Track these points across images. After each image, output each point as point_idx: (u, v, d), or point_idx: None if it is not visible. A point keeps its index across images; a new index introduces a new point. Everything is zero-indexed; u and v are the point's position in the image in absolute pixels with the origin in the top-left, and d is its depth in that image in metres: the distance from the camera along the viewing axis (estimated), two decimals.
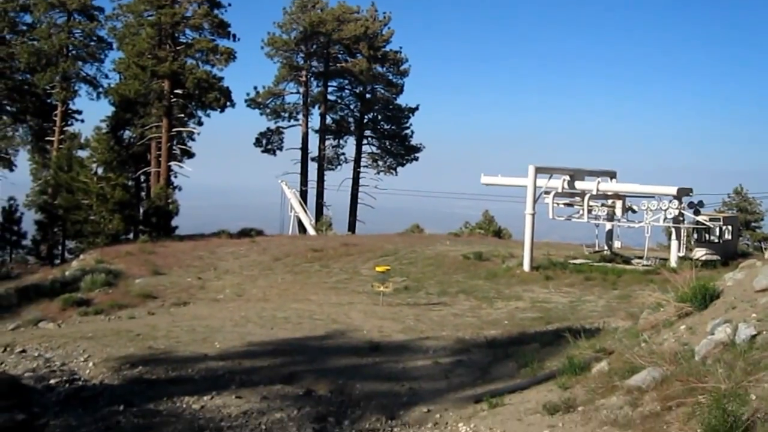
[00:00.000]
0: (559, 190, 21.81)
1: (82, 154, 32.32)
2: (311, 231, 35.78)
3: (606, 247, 23.11)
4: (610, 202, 22.31)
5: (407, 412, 7.59)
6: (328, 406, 7.95)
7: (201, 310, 15.54)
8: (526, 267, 20.26)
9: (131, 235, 31.16)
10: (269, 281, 20.07)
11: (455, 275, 20.18)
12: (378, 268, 17.46)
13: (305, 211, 37.70)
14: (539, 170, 21.31)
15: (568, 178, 21.91)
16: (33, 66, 34.49)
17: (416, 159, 42.57)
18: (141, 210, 33.74)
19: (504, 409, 6.95)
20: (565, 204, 22.42)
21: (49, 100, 36.13)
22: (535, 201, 20.93)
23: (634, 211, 22.10)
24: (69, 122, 36.73)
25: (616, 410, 5.82)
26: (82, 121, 37.69)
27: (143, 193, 36.60)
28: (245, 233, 31.13)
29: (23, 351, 10.63)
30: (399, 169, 42.47)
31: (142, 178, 36.51)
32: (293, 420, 7.41)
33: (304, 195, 40.19)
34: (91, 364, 9.89)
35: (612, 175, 23.11)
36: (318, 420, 7.45)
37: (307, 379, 8.96)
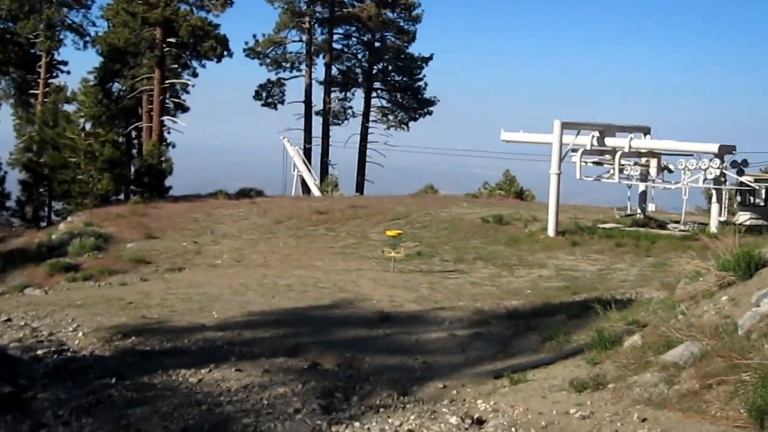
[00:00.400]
0: (588, 148, 21.53)
1: (69, 108, 32.28)
2: (316, 192, 35.78)
3: (639, 211, 22.92)
4: (643, 160, 21.99)
5: (421, 388, 7.59)
6: (335, 381, 7.97)
7: (197, 276, 15.62)
8: (551, 232, 20.17)
9: (122, 196, 31.33)
10: (270, 246, 20.13)
11: (473, 240, 20.17)
12: (388, 233, 17.51)
13: (309, 170, 37.63)
14: (565, 126, 21.02)
15: (597, 134, 21.59)
16: (15, 13, 34.15)
17: (430, 113, 42.16)
18: (132, 169, 33.83)
19: (527, 386, 6.92)
20: (593, 163, 22.19)
21: (32, 51, 35.91)
22: (560, 160, 20.72)
23: (670, 171, 21.79)
24: (54, 74, 36.57)
25: (650, 388, 5.76)
26: (68, 72, 37.61)
27: (134, 151, 36.63)
28: (244, 194, 31.19)
29: (8, 320, 10.73)
30: (411, 124, 42.19)
31: (133, 134, 36.48)
32: (297, 395, 7.43)
33: (307, 153, 40.05)
34: (80, 334, 9.97)
35: (646, 130, 22.73)
36: (324, 395, 7.47)
37: (312, 352, 8.99)
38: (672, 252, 17.35)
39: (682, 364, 5.80)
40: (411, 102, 42.30)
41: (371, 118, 42.33)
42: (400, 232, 17.99)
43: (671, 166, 21.69)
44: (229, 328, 10.07)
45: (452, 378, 7.76)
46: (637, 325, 7.49)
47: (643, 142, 21.93)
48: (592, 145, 21.60)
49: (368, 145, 41.86)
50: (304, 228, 22.62)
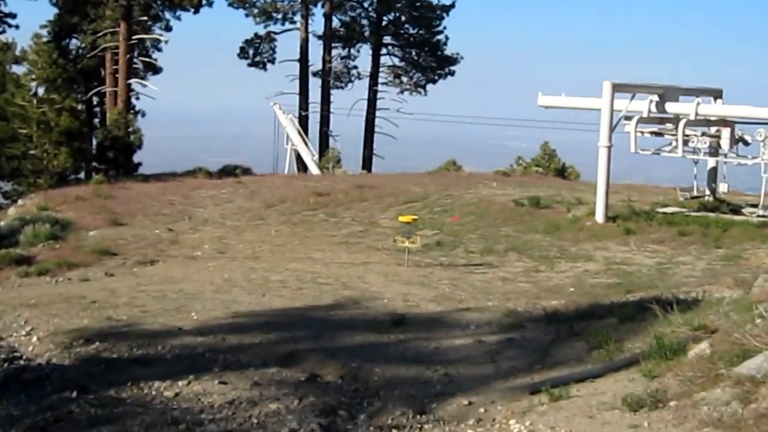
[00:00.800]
0: (645, 115, 21.32)
1: (18, 70, 32.39)
2: (314, 169, 35.85)
3: (708, 192, 22.74)
4: (713, 130, 21.74)
5: (441, 405, 7.61)
6: (337, 396, 8.01)
7: (173, 270, 15.72)
8: (600, 217, 20.12)
9: (82, 175, 31.50)
10: (260, 234, 20.21)
11: (504, 227, 20.12)
12: (402, 218, 17.52)
13: (306, 144, 37.69)
14: (618, 88, 20.81)
15: (656, 98, 21.36)
16: None
17: (452, 74, 41.92)
18: (94, 142, 33.97)
19: (569, 403, 6.91)
20: (652, 133, 22.02)
21: None
22: (611, 129, 20.55)
23: (746, 143, 21.54)
24: (0, 29, 36.70)
25: (721, 407, 5.74)
26: (17, 27, 37.57)
27: (97, 121, 36.77)
28: (228, 172, 31.28)
29: None
30: (429, 87, 41.93)
31: (95, 100, 36.60)
32: (293, 412, 7.48)
33: (304, 122, 40.08)
34: (35, 338, 10.08)
35: (716, 94, 22.49)
36: (325, 413, 7.51)
37: (311, 361, 9.03)
38: (748, 242, 17.21)
39: (761, 378, 5.78)
40: (429, 60, 42.07)
41: (380, 79, 42.20)
42: (415, 217, 17.93)
43: (747, 137, 21.45)
44: (212, 333, 10.14)
45: (479, 393, 7.77)
46: (704, 330, 7.46)
47: (713, 108, 21.70)
48: (650, 111, 21.36)
49: (377, 113, 41.77)
50: (299, 213, 22.67)
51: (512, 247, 17.99)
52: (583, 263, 16.25)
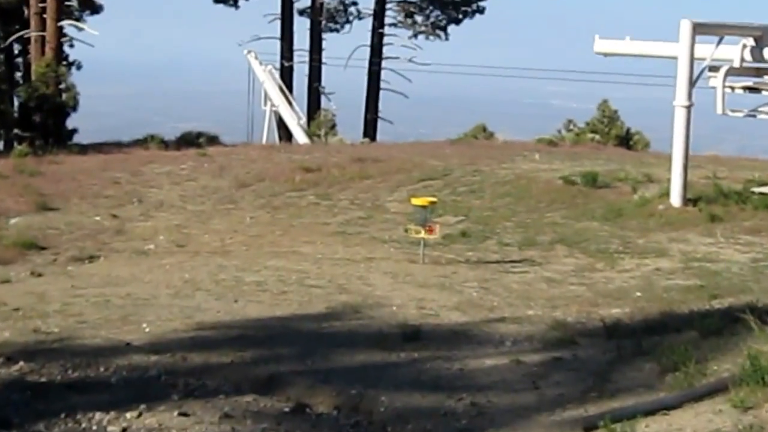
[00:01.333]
0: (736, 65, 21.26)
1: None
2: (300, 137, 35.96)
3: None
4: None
5: None
6: None
7: (119, 269, 15.73)
8: (676, 199, 20.19)
9: (1, 145, 31.58)
10: (231, 222, 20.30)
11: (549, 213, 20.15)
12: (415, 201, 17.48)
13: (290, 104, 37.78)
14: (700, 29, 20.75)
15: (751, 42, 21.27)
16: None
17: (480, 11, 41.92)
18: (15, 102, 34.03)
19: None
20: (745, 89, 21.93)
21: None
22: (692, 84, 20.51)
23: None
24: None
25: None
26: None
27: (18, 75, 36.83)
28: (190, 141, 31.40)
29: None
30: (451, 29, 41.98)
31: (16, 48, 36.63)
32: None
33: (288, 76, 40.16)
34: None
35: None
36: None
37: (298, 387, 9.04)
38: None
39: None
40: None
41: (387, 20, 42.25)
42: (434, 200, 17.91)
43: None
44: (169, 349, 10.12)
45: (517, 428, 7.79)
46: None
47: None
48: (742, 59, 21.29)
49: (383, 64, 41.78)
50: (282, 194, 22.74)
51: (560, 238, 18.00)
52: (654, 260, 16.25)
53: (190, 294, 13.27)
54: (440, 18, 41.81)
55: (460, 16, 41.67)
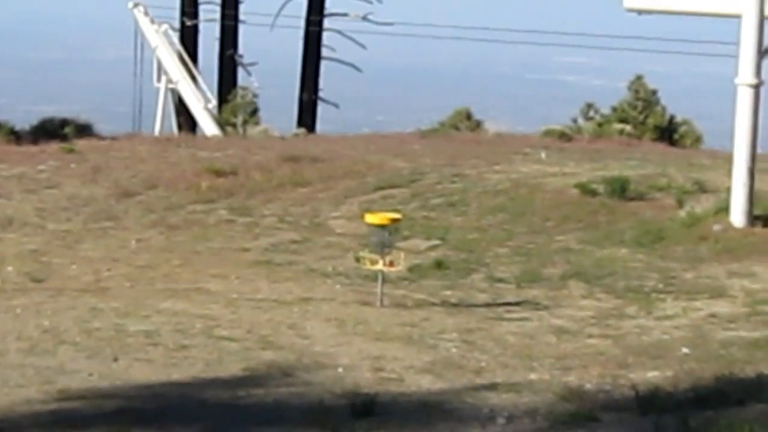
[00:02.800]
0: None
1: None
2: (209, 126, 35.89)
3: None
4: None
5: None
6: None
7: None
8: (738, 217, 20.32)
9: None
10: (109, 247, 20.28)
11: (561, 235, 20.31)
12: (371, 218, 17.35)
13: (194, 80, 37.63)
14: None
15: None
16: None
17: None
18: None
19: None
20: None
21: None
22: (763, 54, 20.74)
23: None
24: None
25: None
26: None
27: None
28: (51, 132, 31.12)
29: None
30: None
31: None
32: None
33: (191, 39, 39.99)
34: None
35: None
36: None
37: None
38: None
39: None
40: None
41: None
42: (397, 216, 17.83)
43: None
44: (19, 428, 10.09)
45: None
46: None
47: None
48: None
49: (326, 23, 41.79)
50: (182, 207, 22.77)
51: (575, 271, 18.07)
52: (707, 302, 16.33)
53: (50, 349, 13.12)
54: None
55: None
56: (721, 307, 15.98)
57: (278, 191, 23.55)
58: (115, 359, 12.72)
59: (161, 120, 37.39)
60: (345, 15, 41.75)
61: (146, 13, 37.90)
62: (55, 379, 11.67)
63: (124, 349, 13.14)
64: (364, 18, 41.18)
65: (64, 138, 30.14)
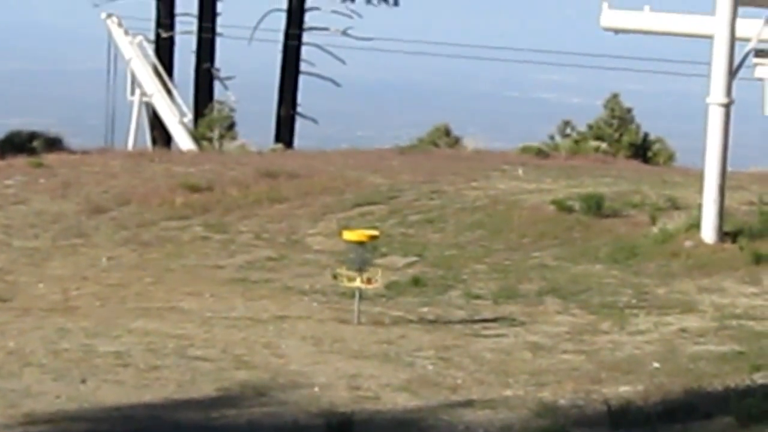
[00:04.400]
0: None
1: None
2: (184, 141, 35.80)
3: None
4: None
5: None
6: None
7: None
8: (709, 233, 20.46)
9: None
10: (79, 265, 20.20)
11: (537, 252, 20.38)
12: (349, 235, 17.43)
13: (169, 94, 37.55)
14: None
15: None
16: None
17: None
18: None
19: None
20: None
21: None
22: (732, 74, 20.91)
23: None
24: None
25: None
26: None
27: None
28: (18, 146, 31.00)
29: None
30: None
31: None
32: None
33: (166, 52, 39.89)
34: None
35: None
36: None
37: None
38: None
39: None
40: None
41: None
42: (375, 233, 17.92)
43: None
44: None
45: None
46: None
47: None
48: None
49: (305, 37, 41.68)
50: (156, 224, 22.67)
51: (551, 288, 18.17)
52: (679, 317, 16.49)
53: (15, 371, 13.09)
54: None
55: None
56: (692, 321, 16.19)
57: (255, 207, 23.43)
58: (83, 381, 12.68)
59: (135, 134, 37.13)
60: (325, 29, 41.50)
61: (120, 24, 37.54)
62: (20, 403, 11.65)
63: (92, 371, 13.10)
64: (344, 33, 40.95)
65: (32, 152, 29.84)
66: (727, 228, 20.64)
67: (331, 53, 41.40)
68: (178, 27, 40.89)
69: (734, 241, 20.29)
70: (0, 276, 19.37)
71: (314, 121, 41.66)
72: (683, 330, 15.84)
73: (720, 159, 20.83)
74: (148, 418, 11.45)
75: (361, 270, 16.49)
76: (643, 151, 32.79)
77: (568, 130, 34.23)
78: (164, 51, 39.60)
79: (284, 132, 40.65)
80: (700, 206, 20.96)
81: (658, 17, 23.61)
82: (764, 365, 13.24)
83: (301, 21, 41.67)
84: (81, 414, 11.47)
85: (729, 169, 21.24)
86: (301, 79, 41.68)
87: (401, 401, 12.18)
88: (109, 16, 37.91)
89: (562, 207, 22.42)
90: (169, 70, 39.03)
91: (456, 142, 33.77)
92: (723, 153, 20.85)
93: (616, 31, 23.88)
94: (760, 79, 21.35)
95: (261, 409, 11.87)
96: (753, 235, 20.40)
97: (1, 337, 15.00)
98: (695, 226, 20.79)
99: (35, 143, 31.29)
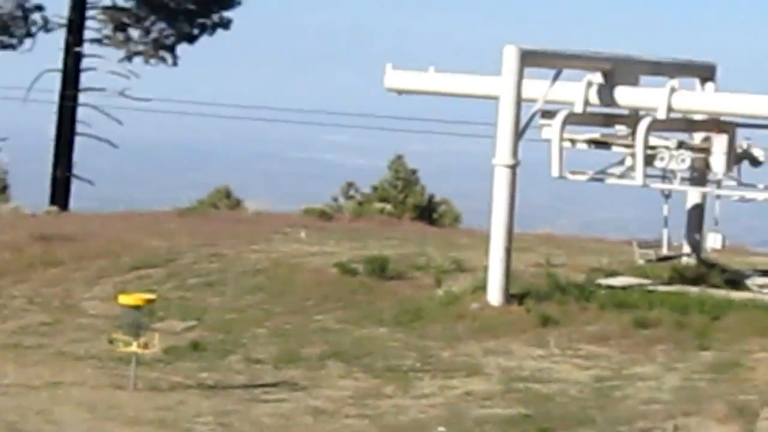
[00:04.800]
0: (579, 110, 22.03)
1: None
2: None
3: (687, 249, 23.71)
4: (698, 138, 22.80)
5: None
6: None
7: None
8: (495, 296, 20.68)
9: None
10: None
11: (320, 315, 20.51)
12: (125, 299, 17.33)
13: None
14: (530, 60, 21.48)
15: (599, 78, 22.21)
16: None
17: (225, 26, 42.49)
18: None
19: None
20: (590, 143, 22.64)
21: None
22: (519, 135, 21.21)
23: (756, 162, 22.60)
24: None
25: None
26: None
27: None
28: None
29: None
30: (182, 50, 42.13)
31: None
32: None
33: None
34: None
35: (705, 72, 23.62)
36: None
37: None
38: (753, 339, 18.02)
39: None
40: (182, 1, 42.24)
41: (89, 34, 42.06)
42: (152, 297, 17.93)
43: (758, 152, 22.39)
44: None
45: None
46: None
47: (696, 98, 22.69)
48: (586, 102, 22.01)
49: (81, 98, 41.36)
50: None
51: (334, 351, 18.19)
52: (464, 380, 16.60)
53: None
54: (166, 33, 41.77)
55: (196, 32, 41.73)
56: (477, 384, 16.34)
57: (28, 271, 23.38)
58: None
59: None
60: (102, 90, 41.26)
61: None
62: None
63: None
64: (121, 93, 40.80)
65: None
66: (513, 290, 20.91)
67: (107, 114, 41.01)
68: None
69: (521, 303, 20.56)
70: None
71: (90, 182, 41.39)
72: (468, 393, 15.97)
73: (506, 220, 21.09)
74: None
75: (137, 334, 16.46)
76: (428, 212, 33.27)
77: (352, 192, 34.54)
78: None
79: (60, 194, 40.15)
80: (486, 268, 21.18)
81: (443, 78, 23.92)
82: (551, 428, 13.54)
83: (77, 81, 41.32)
84: None
85: (516, 230, 21.54)
86: (78, 140, 41.32)
87: None
88: None
89: (346, 270, 22.56)
90: None
91: (237, 204, 33.78)
92: (509, 214, 21.12)
93: (400, 92, 24.09)
94: (547, 140, 21.63)
95: None
96: (540, 297, 20.75)
97: None
98: (481, 288, 21.01)
99: None
